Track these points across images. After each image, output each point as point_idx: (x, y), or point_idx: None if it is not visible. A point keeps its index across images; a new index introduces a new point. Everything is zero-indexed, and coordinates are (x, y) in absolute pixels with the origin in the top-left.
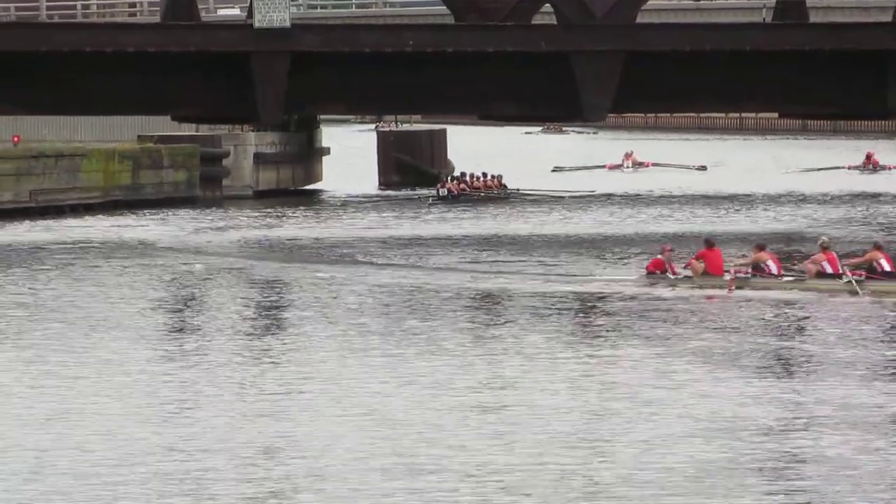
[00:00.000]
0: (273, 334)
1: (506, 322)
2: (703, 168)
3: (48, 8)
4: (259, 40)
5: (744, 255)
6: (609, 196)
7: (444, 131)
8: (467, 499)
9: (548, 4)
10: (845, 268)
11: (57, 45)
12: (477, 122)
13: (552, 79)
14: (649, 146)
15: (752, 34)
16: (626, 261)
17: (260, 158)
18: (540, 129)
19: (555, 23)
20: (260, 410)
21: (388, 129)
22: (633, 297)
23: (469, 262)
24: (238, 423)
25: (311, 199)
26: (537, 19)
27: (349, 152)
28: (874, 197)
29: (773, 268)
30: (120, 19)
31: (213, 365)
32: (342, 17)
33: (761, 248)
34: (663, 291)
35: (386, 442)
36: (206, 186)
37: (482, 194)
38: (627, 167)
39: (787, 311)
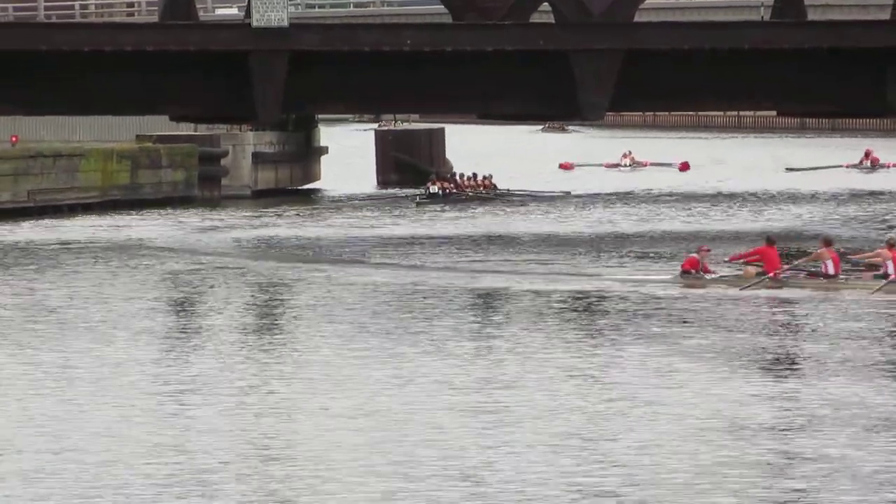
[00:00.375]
0: (271, 334)
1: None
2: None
3: (46, 8)
4: (257, 39)
5: (807, 252)
6: (611, 194)
7: (442, 130)
8: (467, 499)
9: (546, 3)
10: None
11: (55, 44)
12: (475, 122)
13: (550, 77)
14: (648, 144)
15: (750, 32)
16: (655, 260)
17: (258, 158)
18: (540, 128)
19: (553, 21)
20: (258, 410)
21: (386, 128)
22: (660, 298)
23: (500, 261)
24: (236, 423)
25: (309, 199)
26: (535, 18)
27: (347, 151)
28: (874, 195)
29: (831, 267)
30: (118, 19)
31: (210, 365)
32: (340, 16)
33: (828, 242)
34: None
35: (385, 442)
36: (204, 186)
37: (471, 193)
38: (625, 166)
39: (788, 309)
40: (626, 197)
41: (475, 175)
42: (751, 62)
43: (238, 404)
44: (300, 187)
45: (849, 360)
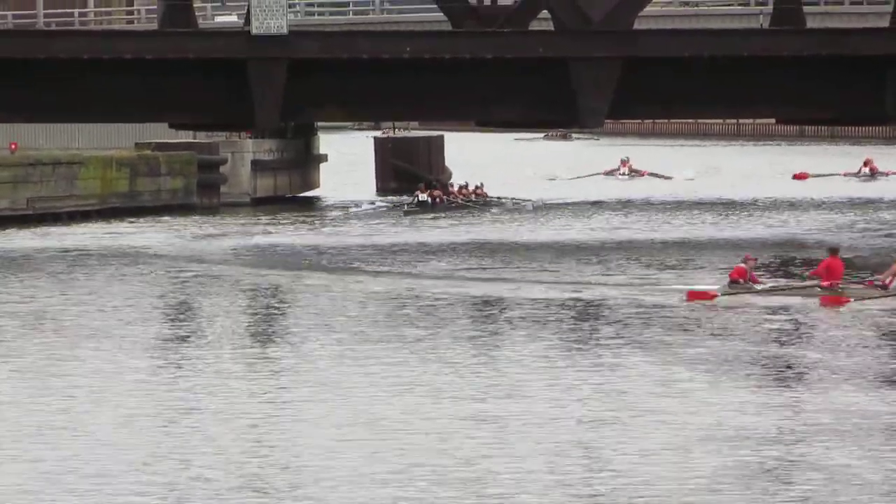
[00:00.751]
0: (270, 342)
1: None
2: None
3: (46, 15)
4: (256, 47)
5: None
6: (604, 203)
7: (441, 138)
8: None
9: (545, 10)
10: None
11: (55, 52)
12: (475, 129)
13: (550, 85)
14: (647, 152)
15: (749, 40)
16: (701, 269)
17: (257, 165)
18: (543, 135)
19: (552, 29)
20: (256, 419)
21: (386, 135)
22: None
23: (530, 271)
24: (234, 431)
25: (308, 206)
26: (535, 25)
27: (347, 159)
28: (874, 203)
29: None
30: (117, 26)
31: (208, 373)
32: (339, 23)
33: None
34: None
35: (384, 450)
36: (203, 193)
37: (460, 201)
38: (623, 174)
39: (786, 318)
40: (626, 205)
41: (466, 184)
42: (750, 70)
43: (235, 412)
44: (299, 195)
45: (850, 368)
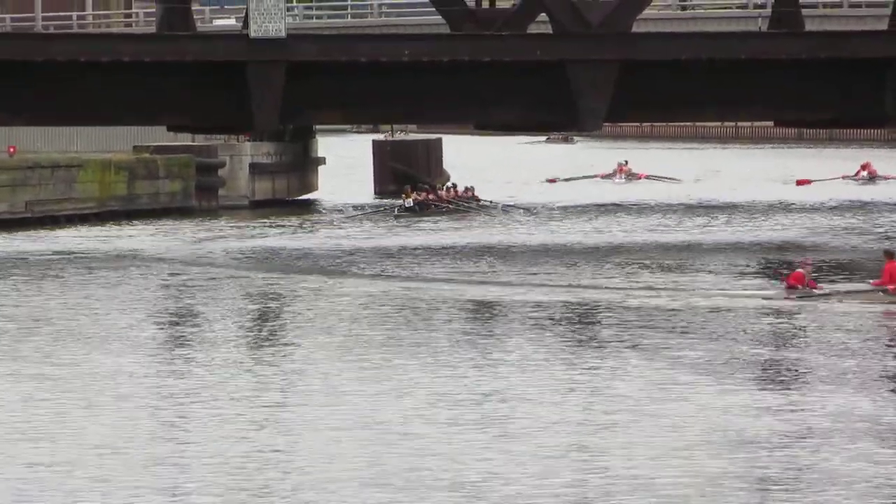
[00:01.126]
0: (268, 345)
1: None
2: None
3: (44, 18)
4: (255, 50)
5: None
6: (602, 206)
7: (439, 140)
8: None
9: (544, 13)
10: None
11: (53, 55)
12: (473, 132)
13: (548, 88)
14: (646, 155)
15: (748, 43)
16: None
17: (256, 168)
18: (544, 138)
19: (551, 32)
20: (254, 422)
21: (384, 138)
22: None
23: (547, 274)
24: (232, 435)
25: (306, 209)
26: (533, 28)
27: (345, 162)
28: (872, 206)
29: None
30: (116, 29)
31: (206, 376)
32: (338, 26)
33: None
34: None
35: (381, 454)
36: (201, 196)
37: (450, 205)
38: (619, 179)
39: (787, 321)
40: (618, 209)
41: (454, 185)
42: (749, 72)
43: (233, 416)
44: (298, 198)
45: (850, 370)
